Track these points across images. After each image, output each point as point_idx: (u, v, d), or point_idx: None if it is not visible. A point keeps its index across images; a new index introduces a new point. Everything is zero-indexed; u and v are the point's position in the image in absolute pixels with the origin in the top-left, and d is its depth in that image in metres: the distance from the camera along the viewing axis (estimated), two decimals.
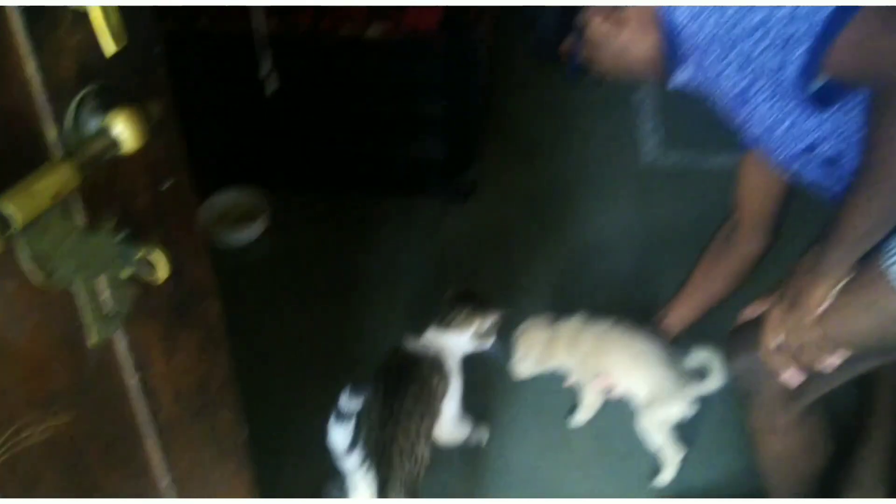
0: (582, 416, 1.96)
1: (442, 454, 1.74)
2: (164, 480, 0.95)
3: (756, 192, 1.57)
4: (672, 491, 1.84)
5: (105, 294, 0.77)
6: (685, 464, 1.85)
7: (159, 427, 0.91)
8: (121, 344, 0.83)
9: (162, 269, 0.80)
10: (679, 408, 1.78)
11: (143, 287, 0.82)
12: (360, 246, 2.50)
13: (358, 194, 2.64)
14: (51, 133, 0.68)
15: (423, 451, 1.59)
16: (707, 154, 2.72)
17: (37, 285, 0.69)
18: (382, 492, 1.52)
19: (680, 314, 1.82)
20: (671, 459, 1.83)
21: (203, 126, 2.32)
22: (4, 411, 0.76)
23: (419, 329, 1.73)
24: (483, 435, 1.92)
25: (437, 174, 2.60)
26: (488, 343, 1.74)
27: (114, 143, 0.69)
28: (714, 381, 1.75)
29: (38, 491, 0.81)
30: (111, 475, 0.89)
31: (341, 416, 1.43)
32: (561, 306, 2.19)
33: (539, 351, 1.86)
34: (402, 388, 1.59)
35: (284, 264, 2.46)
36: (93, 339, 0.78)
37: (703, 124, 2.55)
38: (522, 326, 1.89)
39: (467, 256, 2.45)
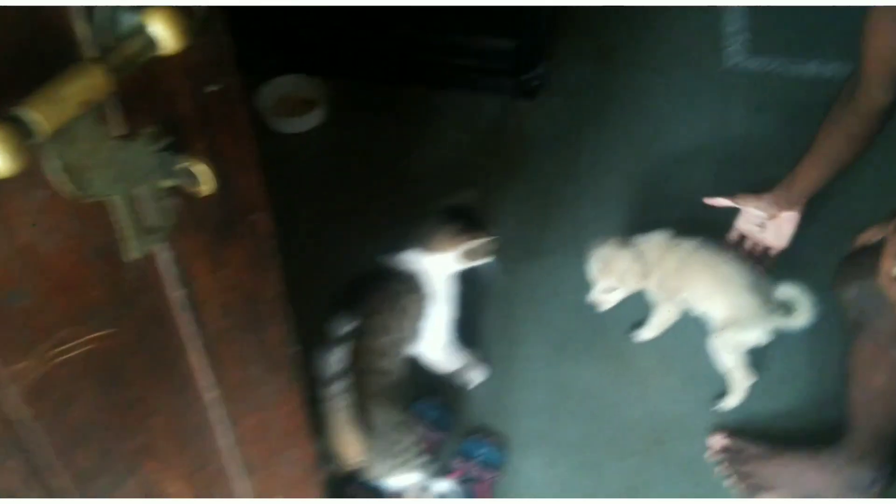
0: (649, 332, 1.89)
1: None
2: (210, 393, 0.92)
3: (882, 45, 1.43)
4: (735, 418, 1.78)
5: (145, 206, 0.71)
6: (750, 392, 1.78)
7: (205, 341, 0.87)
8: (163, 257, 0.78)
9: (206, 181, 0.73)
10: (756, 334, 1.71)
11: (186, 199, 0.76)
12: (419, 139, 2.41)
13: (421, 86, 2.54)
14: (81, 30, 0.60)
15: (391, 366, 1.54)
16: (794, 60, 2.54)
17: (68, 198, 0.63)
18: (361, 413, 1.48)
19: (806, 178, 1.69)
20: (739, 384, 1.76)
21: (265, 10, 2.23)
22: (41, 325, 0.72)
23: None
24: (478, 374, 1.84)
25: (505, 69, 2.47)
26: (480, 262, 1.63)
27: (152, 43, 0.61)
28: (799, 320, 1.68)
29: (76, 406, 0.78)
30: (153, 389, 0.86)
31: (333, 340, 1.39)
32: (634, 220, 2.12)
33: (621, 276, 1.76)
34: (372, 304, 1.54)
35: (342, 154, 2.39)
36: (131, 253, 0.72)
37: (791, 29, 2.37)
38: (597, 252, 1.78)
39: (531, 158, 2.35)
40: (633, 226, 2.07)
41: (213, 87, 0.76)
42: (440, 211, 1.63)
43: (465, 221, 1.61)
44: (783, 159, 1.74)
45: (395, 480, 1.56)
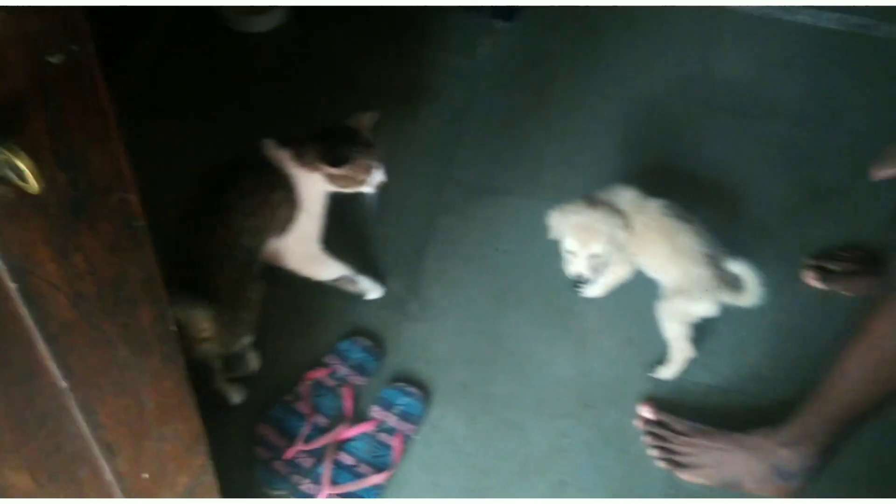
0: (596, 290, 1.81)
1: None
2: (62, 383, 0.83)
3: None
4: (668, 389, 1.72)
5: None
6: (688, 365, 1.72)
7: (51, 331, 0.77)
8: None
9: (32, 178, 0.62)
10: (705, 307, 1.64)
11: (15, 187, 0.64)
12: (380, 51, 2.26)
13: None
14: None
15: (244, 258, 1.54)
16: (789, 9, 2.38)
17: None
18: (210, 295, 1.46)
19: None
20: (679, 356, 1.70)
21: None
22: None
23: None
24: (365, 287, 1.80)
25: None
26: (355, 191, 1.64)
27: None
28: (747, 298, 1.61)
29: None
30: None
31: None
32: (603, 166, 2.01)
33: (584, 236, 1.63)
34: (239, 182, 1.54)
35: (294, 58, 2.25)
36: None
37: None
38: (561, 211, 1.66)
39: (498, 85, 2.21)
40: (602, 173, 1.97)
41: (55, 57, 0.64)
42: (324, 129, 1.62)
43: (341, 145, 1.59)
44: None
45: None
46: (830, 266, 1.87)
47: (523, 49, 2.27)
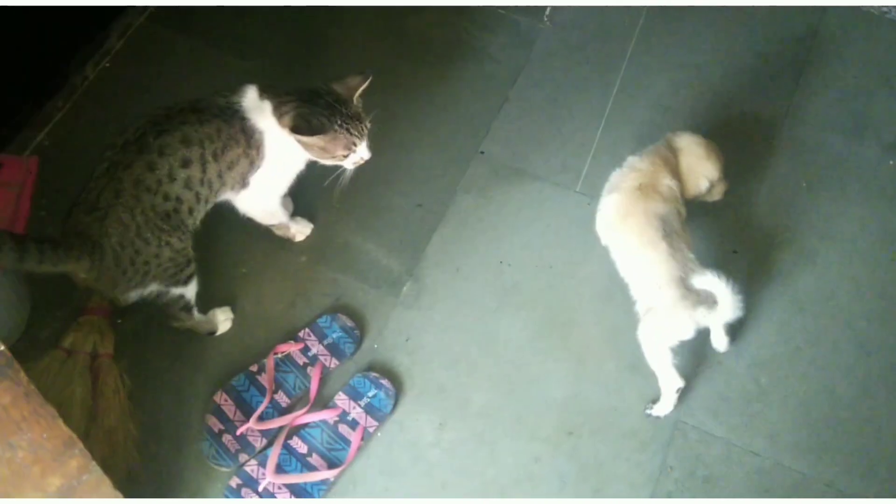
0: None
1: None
2: None
3: None
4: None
5: None
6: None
7: None
8: None
9: None
10: (677, 328, 1.48)
11: None
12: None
13: None
14: None
15: (165, 206, 1.38)
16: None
17: None
18: (97, 238, 1.33)
19: None
20: (667, 386, 1.54)
21: None
22: None
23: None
24: (300, 229, 1.71)
25: None
26: (332, 163, 1.50)
27: None
28: (723, 314, 1.45)
29: None
30: None
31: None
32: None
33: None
34: (188, 127, 1.38)
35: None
36: None
37: None
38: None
39: (560, 52, 2.00)
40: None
41: None
42: (311, 89, 1.46)
43: (319, 112, 1.42)
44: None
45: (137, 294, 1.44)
46: None
47: (595, 18, 2.04)
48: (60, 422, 0.92)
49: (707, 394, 1.59)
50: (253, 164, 1.46)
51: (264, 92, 1.44)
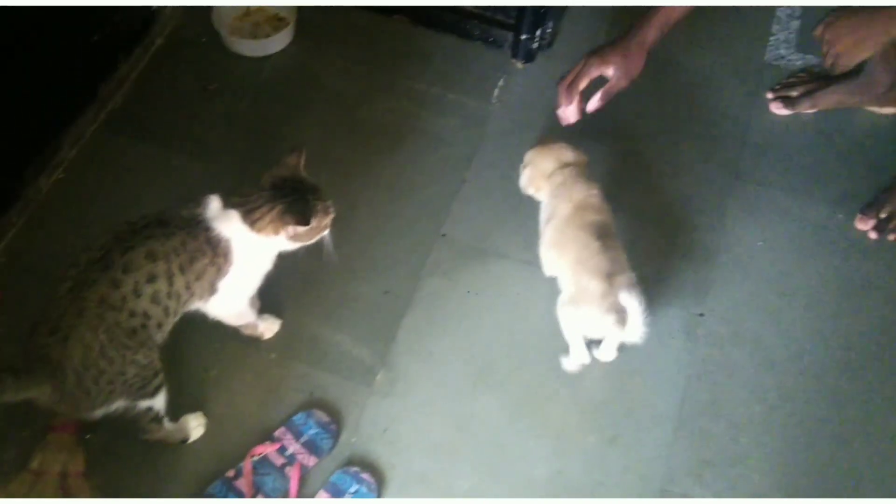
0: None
1: None
2: None
3: None
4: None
5: None
6: None
7: None
8: None
9: None
10: (591, 325, 1.58)
11: None
12: (391, 88, 2.10)
13: (405, 19, 2.21)
14: None
15: (130, 322, 1.34)
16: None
17: None
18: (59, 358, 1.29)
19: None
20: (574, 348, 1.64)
21: None
22: None
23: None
24: (268, 327, 1.69)
25: (506, 22, 2.12)
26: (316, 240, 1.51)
27: None
28: (629, 334, 1.53)
29: None
30: None
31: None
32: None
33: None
34: (154, 241, 1.36)
35: (306, 80, 2.11)
36: None
37: None
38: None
39: (511, 131, 2.03)
40: None
41: None
42: (271, 184, 1.45)
43: (299, 200, 1.43)
44: None
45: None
46: (791, 93, 2.05)
47: (537, 95, 2.09)
48: None
49: (690, 459, 1.59)
50: (220, 271, 1.45)
51: (227, 201, 1.44)
